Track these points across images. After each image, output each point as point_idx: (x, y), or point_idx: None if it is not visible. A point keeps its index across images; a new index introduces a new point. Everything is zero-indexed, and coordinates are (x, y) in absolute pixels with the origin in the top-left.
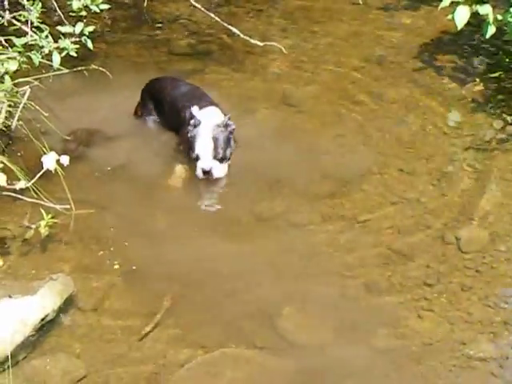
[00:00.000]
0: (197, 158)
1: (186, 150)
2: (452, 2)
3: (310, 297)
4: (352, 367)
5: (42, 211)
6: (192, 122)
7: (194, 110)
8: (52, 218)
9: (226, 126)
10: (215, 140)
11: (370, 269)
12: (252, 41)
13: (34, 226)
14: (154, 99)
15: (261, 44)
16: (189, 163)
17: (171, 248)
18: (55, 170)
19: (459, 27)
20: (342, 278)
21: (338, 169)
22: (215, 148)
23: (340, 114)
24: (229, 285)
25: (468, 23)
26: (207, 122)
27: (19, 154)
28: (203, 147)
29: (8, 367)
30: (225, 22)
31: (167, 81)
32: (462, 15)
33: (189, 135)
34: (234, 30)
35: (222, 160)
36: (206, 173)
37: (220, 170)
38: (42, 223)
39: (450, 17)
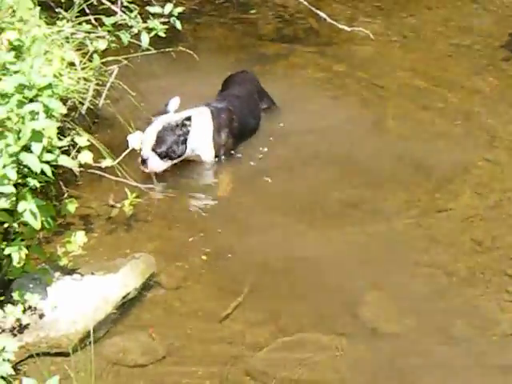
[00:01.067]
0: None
1: None
2: None
3: (392, 285)
4: (431, 357)
5: (127, 190)
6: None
7: (173, 101)
8: (136, 197)
9: (183, 124)
10: (161, 134)
11: (453, 258)
12: (339, 25)
13: (118, 205)
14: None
15: (348, 29)
16: None
17: (256, 233)
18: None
19: None
20: (424, 267)
21: (427, 158)
22: (157, 142)
23: (426, 101)
24: (312, 271)
25: None
26: (168, 117)
27: (106, 132)
28: (148, 134)
29: (89, 343)
30: (312, 6)
31: (235, 75)
32: None
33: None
34: (322, 14)
35: (161, 155)
36: (143, 161)
37: (156, 164)
38: (126, 202)
39: None
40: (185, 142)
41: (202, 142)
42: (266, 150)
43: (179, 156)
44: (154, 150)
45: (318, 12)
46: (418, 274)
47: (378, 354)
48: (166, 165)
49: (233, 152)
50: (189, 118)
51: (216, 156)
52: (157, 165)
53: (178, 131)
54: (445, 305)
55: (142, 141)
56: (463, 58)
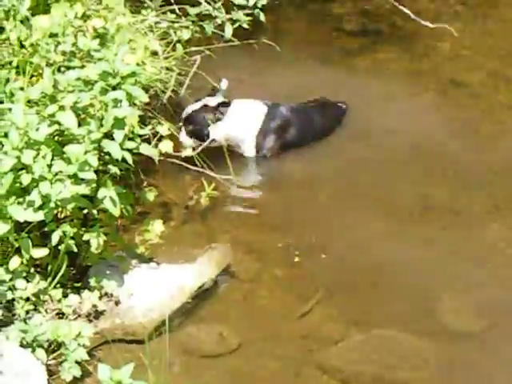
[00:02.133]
0: None
1: None
2: None
3: (470, 285)
4: (507, 357)
5: (204, 182)
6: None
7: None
8: (214, 189)
9: (216, 109)
10: (191, 114)
11: None
12: (423, 22)
13: (195, 197)
14: None
15: (431, 26)
16: None
17: (336, 231)
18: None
19: None
20: (504, 269)
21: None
22: (185, 120)
23: (507, 102)
24: (390, 269)
25: None
26: (211, 99)
27: None
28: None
29: (164, 332)
30: (396, 2)
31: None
32: None
33: None
34: (406, 10)
35: (188, 133)
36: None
37: (183, 139)
38: (204, 194)
39: None
40: (216, 126)
41: (243, 134)
42: (344, 147)
43: (207, 138)
44: (183, 126)
45: (402, 8)
46: (497, 276)
47: (454, 353)
48: (194, 143)
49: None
50: (225, 104)
51: (257, 153)
52: (184, 140)
53: (209, 114)
54: None
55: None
56: None
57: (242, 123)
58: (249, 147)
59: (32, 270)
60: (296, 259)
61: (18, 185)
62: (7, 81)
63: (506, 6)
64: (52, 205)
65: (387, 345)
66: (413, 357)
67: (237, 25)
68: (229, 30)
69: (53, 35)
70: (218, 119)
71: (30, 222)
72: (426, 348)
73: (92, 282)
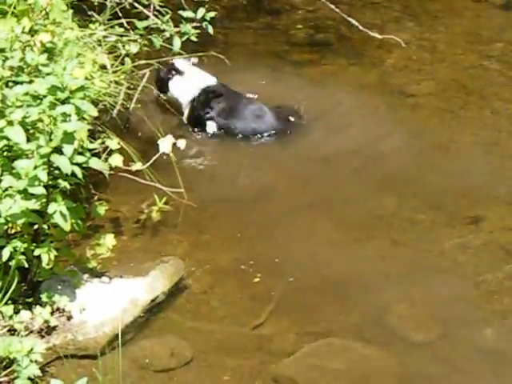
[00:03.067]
0: None
1: None
2: None
3: (421, 295)
4: (457, 366)
5: (155, 196)
6: None
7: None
8: (165, 202)
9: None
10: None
11: (481, 268)
12: (371, 33)
13: (146, 211)
14: None
15: (379, 36)
16: None
17: (288, 244)
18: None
19: None
20: (453, 277)
21: (457, 168)
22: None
23: (456, 111)
24: (341, 278)
25: None
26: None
27: (136, 136)
28: None
29: (118, 345)
30: (344, 14)
31: None
32: None
33: None
34: (353, 21)
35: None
36: None
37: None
38: (155, 208)
39: None
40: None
41: (182, 97)
42: (292, 158)
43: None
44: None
45: (350, 19)
46: (446, 284)
47: (404, 361)
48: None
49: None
50: (176, 69)
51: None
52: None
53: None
54: (471, 314)
55: None
56: (494, 68)
57: (185, 87)
58: (185, 113)
59: None
60: (251, 270)
61: None
62: None
63: (451, 17)
64: (2, 220)
65: (340, 354)
66: (364, 365)
67: (185, 38)
68: (177, 43)
69: (0, 50)
70: (168, 78)
71: None
72: (378, 357)
73: (44, 297)
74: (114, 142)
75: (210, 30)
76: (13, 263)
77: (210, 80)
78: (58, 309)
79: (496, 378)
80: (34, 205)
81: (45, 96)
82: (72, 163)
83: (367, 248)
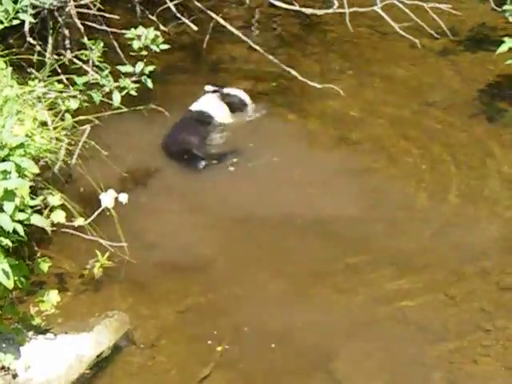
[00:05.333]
0: None
1: None
2: (510, 48)
3: (367, 345)
4: None
5: (98, 252)
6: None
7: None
8: (108, 257)
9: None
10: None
11: (426, 313)
12: (310, 83)
13: (89, 266)
14: None
15: (319, 86)
16: None
17: (233, 295)
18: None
19: None
20: (396, 323)
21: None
22: None
23: (399, 157)
24: (288, 330)
25: None
26: None
27: (78, 191)
28: None
29: None
30: (283, 64)
31: None
32: None
33: None
34: (292, 71)
35: None
36: None
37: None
38: (97, 264)
39: (508, 62)
40: None
41: None
42: (234, 209)
43: None
44: None
45: (289, 69)
46: (390, 330)
47: None
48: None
49: None
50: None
51: None
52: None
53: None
54: (418, 359)
55: None
56: (433, 114)
57: None
58: None
59: None
60: (196, 324)
61: None
62: None
63: (389, 65)
64: None
65: None
66: None
67: (125, 92)
68: (117, 98)
69: None
70: None
71: None
72: None
73: None
74: (55, 198)
75: (150, 83)
76: None
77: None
78: (2, 367)
79: None
80: None
81: None
82: (13, 220)
83: (312, 299)
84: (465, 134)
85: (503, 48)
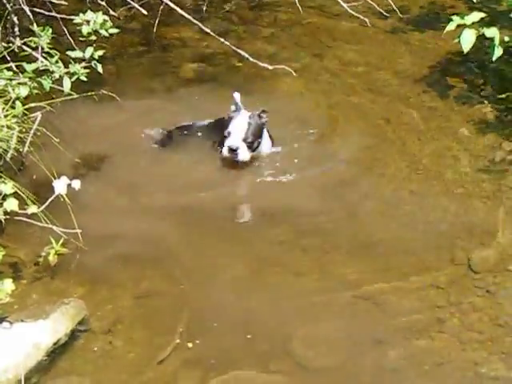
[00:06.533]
0: (227, 136)
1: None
2: (458, 26)
3: (322, 320)
4: None
5: (52, 239)
6: (233, 107)
7: (237, 96)
8: (63, 244)
9: (260, 116)
10: (249, 124)
11: (380, 289)
12: (261, 64)
13: (44, 254)
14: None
15: (270, 67)
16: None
17: (185, 275)
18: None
19: (465, 51)
20: (351, 298)
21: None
22: (247, 131)
23: (357, 135)
24: (243, 307)
25: (475, 45)
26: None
27: (31, 179)
28: (236, 126)
29: None
30: (234, 46)
31: None
32: (468, 38)
33: (227, 120)
34: (243, 53)
35: (249, 146)
36: (232, 151)
37: (245, 154)
38: (52, 251)
39: (456, 40)
40: (262, 131)
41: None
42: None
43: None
44: (244, 140)
45: (240, 51)
46: (347, 306)
47: None
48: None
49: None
50: (264, 110)
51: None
52: (247, 156)
53: (259, 121)
54: (374, 336)
55: (229, 130)
56: (384, 92)
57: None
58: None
59: None
60: (153, 307)
61: None
62: None
63: (340, 45)
64: None
65: None
66: None
67: (75, 78)
68: (67, 84)
69: None
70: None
71: None
72: None
73: None
74: (8, 187)
75: (100, 68)
76: None
77: None
78: None
79: None
80: None
81: None
82: None
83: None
84: (416, 110)
85: (451, 26)
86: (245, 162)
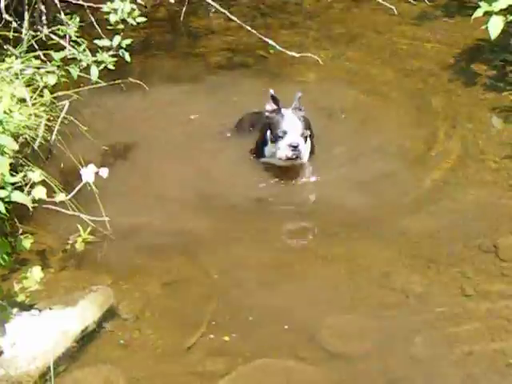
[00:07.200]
0: (284, 134)
1: (262, 140)
2: (486, 13)
3: (349, 307)
4: (391, 378)
5: (79, 227)
6: (270, 105)
7: (272, 92)
8: (90, 232)
9: (300, 109)
10: (300, 119)
11: (408, 278)
12: (288, 52)
13: (71, 242)
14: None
15: (297, 55)
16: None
17: (213, 260)
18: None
19: (493, 37)
20: (380, 288)
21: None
22: (302, 126)
23: (381, 124)
24: (271, 295)
25: (503, 31)
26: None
27: (59, 167)
28: (290, 124)
29: (50, 378)
30: (261, 35)
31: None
32: (496, 25)
33: (269, 120)
34: (270, 41)
35: (305, 140)
36: (294, 148)
37: (306, 151)
38: (79, 239)
39: (484, 27)
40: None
41: None
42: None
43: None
44: (303, 135)
45: (267, 40)
46: (374, 295)
47: (340, 376)
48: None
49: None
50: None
51: None
52: (306, 153)
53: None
54: (402, 324)
55: (285, 129)
56: (413, 80)
57: None
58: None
59: None
60: (180, 295)
61: None
62: None
63: (367, 33)
64: None
65: (273, 373)
66: (299, 383)
67: (102, 66)
68: (95, 72)
69: None
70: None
71: None
72: (313, 373)
73: None
74: (36, 175)
75: (127, 57)
76: None
77: None
78: None
79: None
80: None
81: None
82: None
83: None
84: (444, 98)
85: (478, 13)
86: (303, 163)
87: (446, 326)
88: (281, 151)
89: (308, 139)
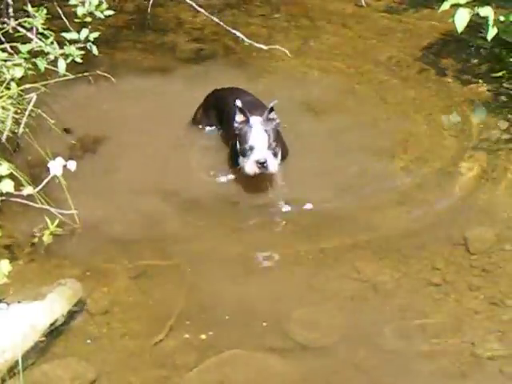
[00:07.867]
0: (250, 149)
1: (234, 151)
2: (453, 5)
3: (319, 300)
4: (360, 368)
5: (47, 219)
6: (239, 116)
7: (238, 103)
8: (58, 225)
9: (271, 119)
10: (268, 132)
11: (378, 270)
12: (256, 44)
13: (38, 234)
14: (217, 109)
15: (265, 47)
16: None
17: (183, 253)
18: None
19: (460, 30)
20: (350, 281)
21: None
22: (269, 139)
23: (352, 118)
24: (241, 289)
25: (470, 24)
26: (254, 117)
27: (26, 160)
28: (257, 138)
29: (18, 372)
30: (228, 26)
31: (231, 91)
32: (462, 18)
33: (238, 132)
34: (238, 34)
35: (275, 154)
36: (261, 165)
37: (274, 164)
38: (47, 232)
39: (450, 20)
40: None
41: None
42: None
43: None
44: (269, 148)
45: (235, 32)
46: (344, 288)
47: (308, 367)
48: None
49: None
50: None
51: None
52: (276, 166)
53: (272, 125)
54: (371, 316)
55: (251, 144)
56: (380, 72)
57: None
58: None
59: None
60: (149, 288)
61: None
62: None
63: (335, 25)
64: None
65: (242, 364)
66: (268, 374)
67: (70, 59)
68: (62, 65)
69: None
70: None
71: None
72: (282, 364)
73: None
74: (3, 168)
75: (95, 50)
76: None
77: None
78: None
79: (398, 377)
80: None
81: None
82: None
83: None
84: (415, 90)
85: (445, 6)
86: (273, 173)
87: (415, 318)
88: (248, 167)
89: (278, 148)
